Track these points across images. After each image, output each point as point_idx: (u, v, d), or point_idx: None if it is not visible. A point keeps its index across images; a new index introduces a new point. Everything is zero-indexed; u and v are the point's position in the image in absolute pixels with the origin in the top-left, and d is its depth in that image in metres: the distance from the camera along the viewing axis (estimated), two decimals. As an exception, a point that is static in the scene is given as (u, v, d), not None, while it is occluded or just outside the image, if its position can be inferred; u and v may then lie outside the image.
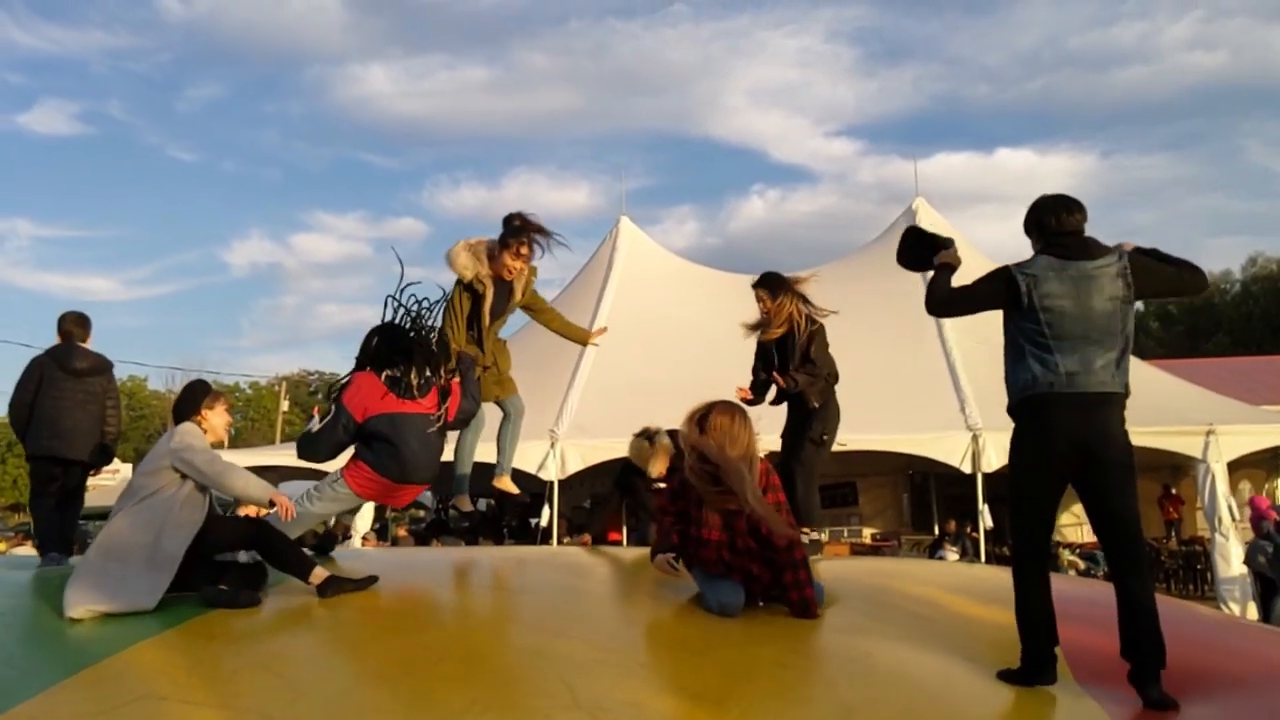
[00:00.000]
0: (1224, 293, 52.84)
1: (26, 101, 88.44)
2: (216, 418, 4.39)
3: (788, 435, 5.81)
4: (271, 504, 4.27)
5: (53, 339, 6.50)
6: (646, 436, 6.40)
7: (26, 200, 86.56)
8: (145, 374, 66.42)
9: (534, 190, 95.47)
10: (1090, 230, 3.74)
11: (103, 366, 6.46)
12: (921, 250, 4.21)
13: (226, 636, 3.47)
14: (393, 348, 4.68)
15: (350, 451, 4.69)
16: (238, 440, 48.77)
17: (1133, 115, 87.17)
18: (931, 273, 4.09)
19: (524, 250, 5.45)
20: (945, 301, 3.92)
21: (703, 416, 4.13)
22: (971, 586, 4.81)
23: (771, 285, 5.85)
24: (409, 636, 3.64)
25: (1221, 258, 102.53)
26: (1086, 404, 3.47)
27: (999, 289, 3.67)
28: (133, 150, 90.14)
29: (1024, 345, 3.59)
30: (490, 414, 5.66)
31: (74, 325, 6.50)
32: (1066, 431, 3.46)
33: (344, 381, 4.76)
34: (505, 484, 5.79)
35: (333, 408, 4.62)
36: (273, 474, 17.70)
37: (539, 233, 5.49)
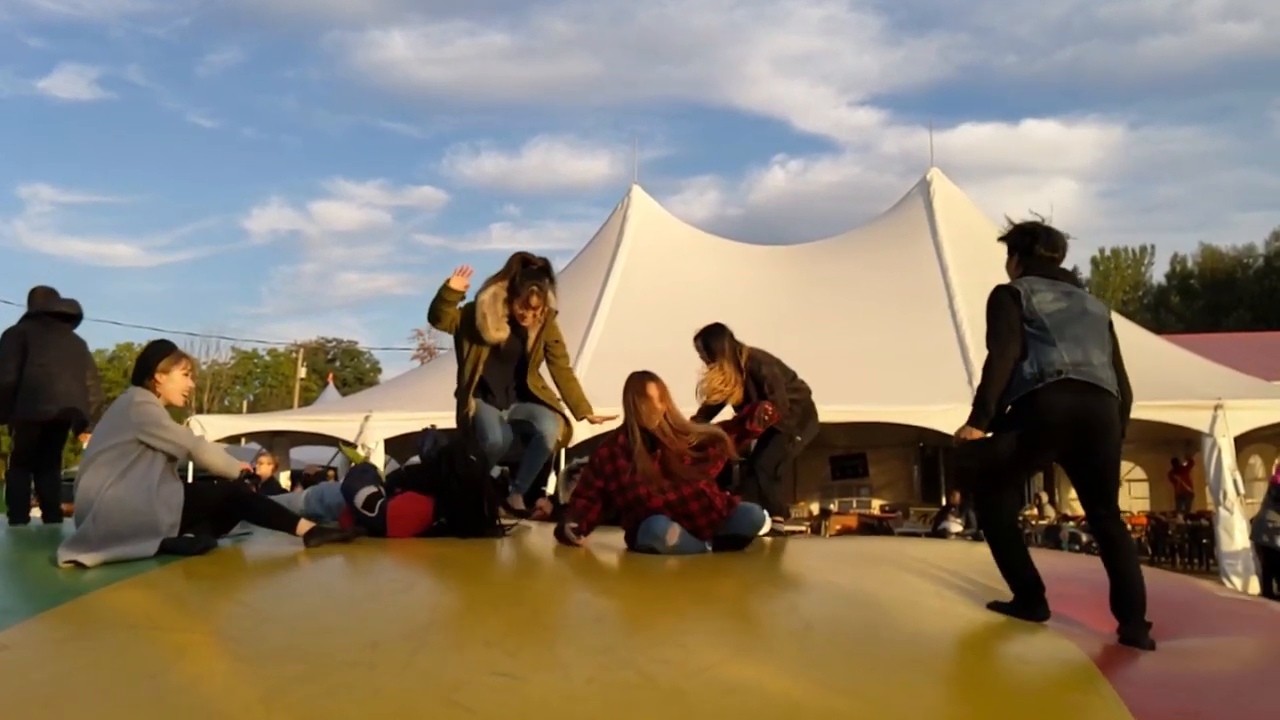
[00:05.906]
0: (1246, 267, 52.15)
1: (47, 66, 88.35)
2: (172, 382, 4.02)
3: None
4: (242, 473, 4.30)
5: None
6: None
7: (48, 166, 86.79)
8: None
9: (554, 159, 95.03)
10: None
11: (80, 312, 6.51)
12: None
13: (204, 575, 3.55)
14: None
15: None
16: (256, 405, 49.26)
17: (1163, 87, 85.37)
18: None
19: (533, 301, 5.28)
20: (997, 357, 3.69)
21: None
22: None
23: (709, 342, 5.57)
24: (381, 572, 3.77)
25: (1248, 232, 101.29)
26: (1091, 392, 3.56)
27: (1011, 303, 3.69)
28: (153, 116, 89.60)
29: (1026, 346, 3.65)
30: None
31: (47, 298, 6.47)
32: (1072, 411, 3.53)
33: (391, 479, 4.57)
34: (515, 502, 5.59)
35: (381, 495, 4.38)
36: (287, 439, 17.99)
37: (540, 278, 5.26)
